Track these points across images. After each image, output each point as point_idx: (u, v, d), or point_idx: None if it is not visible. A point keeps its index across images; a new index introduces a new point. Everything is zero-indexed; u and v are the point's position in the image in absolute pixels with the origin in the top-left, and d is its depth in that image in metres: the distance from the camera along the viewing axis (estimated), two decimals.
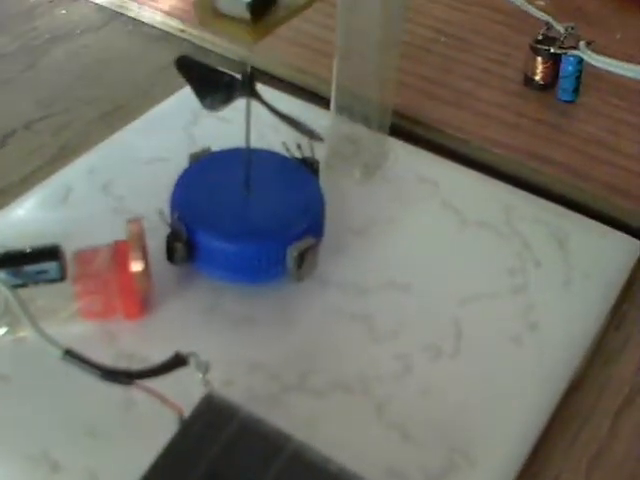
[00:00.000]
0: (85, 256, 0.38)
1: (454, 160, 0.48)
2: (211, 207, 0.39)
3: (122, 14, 0.61)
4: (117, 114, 0.53)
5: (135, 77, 0.57)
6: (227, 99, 0.36)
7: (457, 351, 0.38)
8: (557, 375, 0.38)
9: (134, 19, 0.61)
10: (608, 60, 0.52)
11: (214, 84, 0.36)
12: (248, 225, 0.38)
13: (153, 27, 0.60)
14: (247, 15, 0.31)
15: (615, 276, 0.42)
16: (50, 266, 0.35)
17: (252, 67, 0.35)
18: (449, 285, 0.41)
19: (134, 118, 0.51)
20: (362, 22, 0.41)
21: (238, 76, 0.36)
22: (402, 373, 0.37)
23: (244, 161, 0.39)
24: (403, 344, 0.38)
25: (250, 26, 0.32)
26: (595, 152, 0.49)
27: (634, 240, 0.43)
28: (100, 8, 0.62)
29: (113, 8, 0.61)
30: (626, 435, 0.37)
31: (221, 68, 0.37)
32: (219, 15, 0.32)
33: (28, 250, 0.36)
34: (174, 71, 0.57)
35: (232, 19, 0.32)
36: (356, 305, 0.40)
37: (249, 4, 0.31)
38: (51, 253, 0.36)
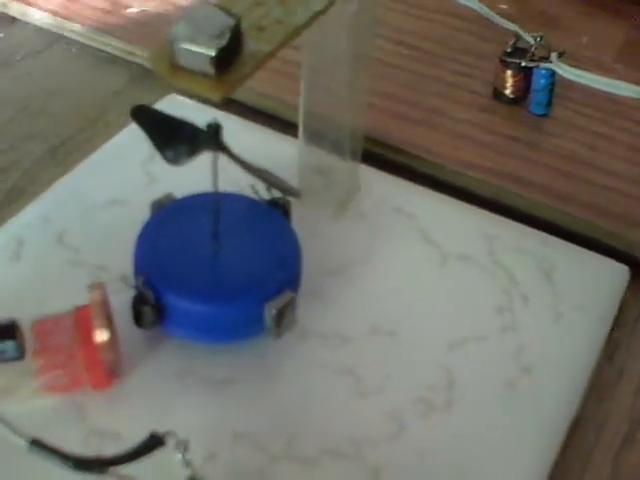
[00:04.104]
0: (45, 327, 0.34)
1: (428, 185, 0.46)
2: (179, 265, 0.36)
3: (64, 36, 0.57)
4: (66, 148, 0.50)
5: (84, 105, 0.53)
6: (191, 152, 0.32)
7: (450, 403, 0.36)
8: (557, 417, 0.36)
9: (78, 41, 0.57)
10: (581, 73, 0.50)
11: (176, 136, 0.33)
12: (221, 283, 0.35)
13: (99, 50, 0.56)
14: (211, 70, 0.29)
15: (606, 305, 0.40)
16: (7, 346, 0.32)
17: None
18: (436, 329, 0.38)
19: (86, 152, 0.48)
20: (331, 38, 0.38)
21: (203, 127, 0.33)
22: (395, 433, 0.34)
23: (211, 209, 0.37)
24: (393, 399, 0.36)
25: (215, 81, 0.29)
26: (574, 170, 0.47)
27: (621, 265, 0.42)
28: (40, 30, 0.58)
29: (54, 30, 0.57)
30: (628, 476, 0.36)
31: (183, 118, 0.34)
32: (179, 69, 0.29)
33: None
34: (126, 97, 0.55)
35: (194, 73, 0.29)
36: (340, 357, 0.37)
37: (213, 58, 0.28)
38: (7, 331, 0.33)
